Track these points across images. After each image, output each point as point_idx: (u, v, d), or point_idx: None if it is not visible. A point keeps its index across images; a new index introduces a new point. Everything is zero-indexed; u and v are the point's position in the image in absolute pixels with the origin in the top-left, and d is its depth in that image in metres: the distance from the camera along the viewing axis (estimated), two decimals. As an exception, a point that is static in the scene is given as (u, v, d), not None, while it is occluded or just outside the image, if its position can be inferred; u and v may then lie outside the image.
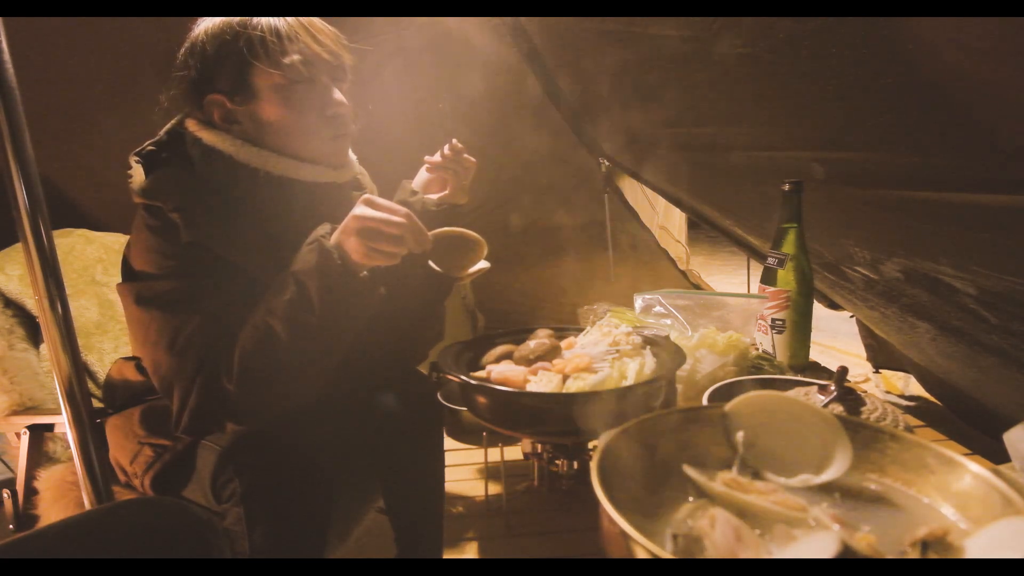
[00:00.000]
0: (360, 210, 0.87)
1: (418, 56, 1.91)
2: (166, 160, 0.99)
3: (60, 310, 0.93)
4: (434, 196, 1.10)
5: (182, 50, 1.00)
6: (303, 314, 0.87)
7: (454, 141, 1.08)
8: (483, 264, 1.01)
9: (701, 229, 2.64)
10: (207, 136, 0.97)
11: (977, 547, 0.54)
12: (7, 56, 0.86)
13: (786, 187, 1.33)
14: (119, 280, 0.99)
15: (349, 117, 1.01)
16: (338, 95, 1.00)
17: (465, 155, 1.09)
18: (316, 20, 1.00)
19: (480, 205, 2.44)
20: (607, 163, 2.41)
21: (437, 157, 1.09)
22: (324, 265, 0.86)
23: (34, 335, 1.49)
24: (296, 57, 0.95)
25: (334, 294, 0.87)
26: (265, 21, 0.95)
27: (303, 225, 1.00)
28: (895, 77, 0.83)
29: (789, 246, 1.37)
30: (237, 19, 0.96)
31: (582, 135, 2.32)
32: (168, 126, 1.04)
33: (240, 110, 0.98)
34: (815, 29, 0.84)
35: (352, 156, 1.11)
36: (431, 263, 0.99)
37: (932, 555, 0.55)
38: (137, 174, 0.96)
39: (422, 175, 1.12)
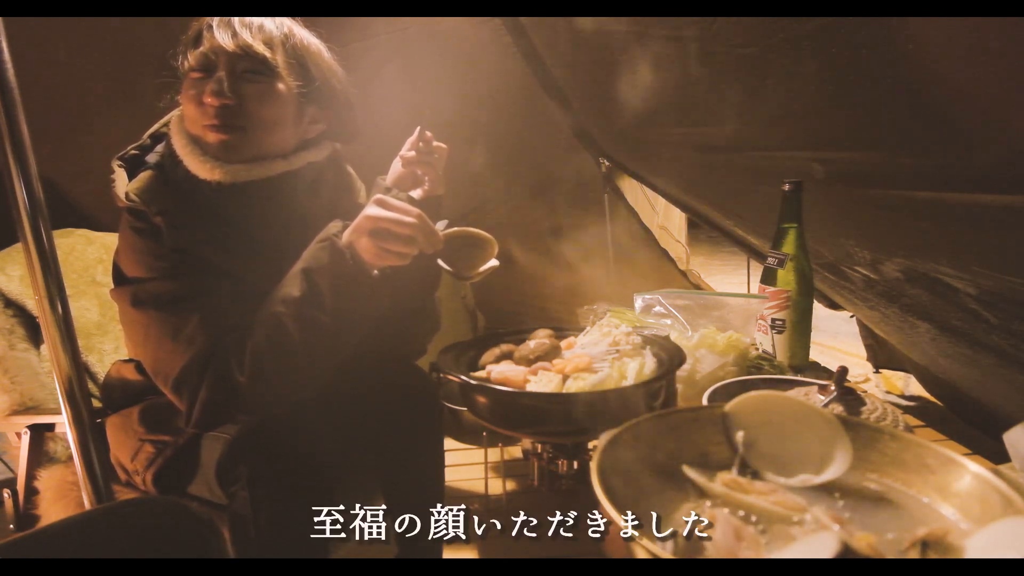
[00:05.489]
0: (372, 210, 0.87)
1: (414, 57, 1.91)
2: (148, 164, 1.00)
3: (60, 310, 0.93)
4: (415, 193, 1.10)
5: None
6: (314, 311, 0.88)
7: (424, 131, 1.08)
8: (493, 263, 1.01)
9: (701, 229, 2.63)
10: (176, 139, 0.98)
11: (977, 547, 0.55)
12: (7, 56, 0.86)
13: (786, 187, 1.33)
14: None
15: (233, 111, 0.95)
16: (215, 87, 0.94)
17: (434, 143, 1.09)
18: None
19: (479, 206, 2.44)
20: (607, 163, 2.40)
21: (411, 152, 1.09)
22: (336, 265, 0.87)
23: (35, 335, 1.49)
24: (198, 49, 0.95)
25: (345, 293, 0.88)
26: (204, 18, 0.96)
27: (276, 222, 1.01)
28: (895, 77, 0.83)
29: (789, 246, 1.37)
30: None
31: (582, 135, 2.31)
32: (151, 130, 1.05)
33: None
34: (815, 29, 0.84)
35: (311, 150, 1.07)
36: (441, 263, 0.99)
37: (932, 555, 0.55)
38: (120, 178, 0.97)
39: (395, 170, 1.11)
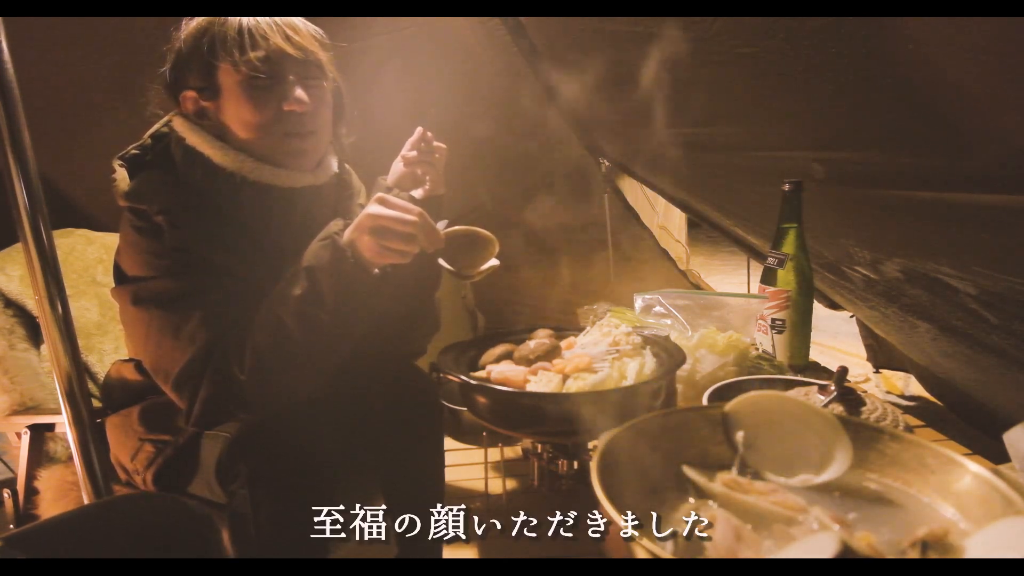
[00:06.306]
0: (374, 208, 0.88)
1: (415, 57, 1.90)
2: (150, 163, 1.00)
3: (60, 310, 0.93)
4: (416, 192, 1.10)
5: (166, 47, 1.01)
6: (314, 309, 0.88)
7: (425, 131, 1.08)
8: (494, 262, 1.01)
9: (701, 229, 2.63)
10: (191, 137, 0.98)
11: (977, 547, 0.55)
12: (7, 56, 0.86)
13: (786, 187, 1.33)
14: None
15: (309, 116, 0.98)
16: (299, 93, 0.96)
17: (435, 143, 1.10)
18: (294, 18, 0.98)
19: (479, 205, 2.43)
20: (607, 163, 2.40)
21: (412, 152, 1.09)
22: (337, 262, 0.87)
23: (35, 335, 1.49)
24: (258, 54, 0.94)
25: (346, 291, 0.88)
26: (235, 19, 0.95)
27: (285, 228, 1.01)
28: (895, 77, 0.83)
29: (789, 246, 1.37)
30: (213, 17, 0.96)
31: (582, 135, 2.31)
32: (152, 130, 1.05)
33: (209, 106, 0.99)
34: (815, 29, 0.84)
35: (332, 158, 1.10)
36: (442, 262, 0.99)
37: (932, 555, 0.55)
38: (121, 178, 0.97)
39: (396, 170, 1.12)
